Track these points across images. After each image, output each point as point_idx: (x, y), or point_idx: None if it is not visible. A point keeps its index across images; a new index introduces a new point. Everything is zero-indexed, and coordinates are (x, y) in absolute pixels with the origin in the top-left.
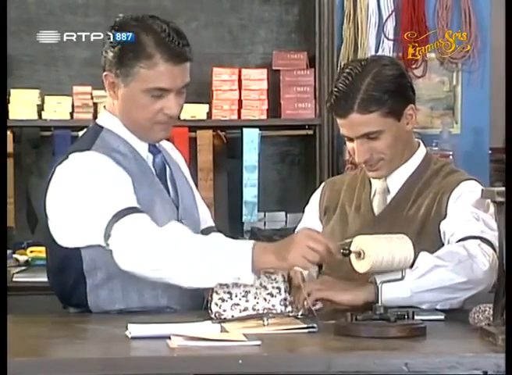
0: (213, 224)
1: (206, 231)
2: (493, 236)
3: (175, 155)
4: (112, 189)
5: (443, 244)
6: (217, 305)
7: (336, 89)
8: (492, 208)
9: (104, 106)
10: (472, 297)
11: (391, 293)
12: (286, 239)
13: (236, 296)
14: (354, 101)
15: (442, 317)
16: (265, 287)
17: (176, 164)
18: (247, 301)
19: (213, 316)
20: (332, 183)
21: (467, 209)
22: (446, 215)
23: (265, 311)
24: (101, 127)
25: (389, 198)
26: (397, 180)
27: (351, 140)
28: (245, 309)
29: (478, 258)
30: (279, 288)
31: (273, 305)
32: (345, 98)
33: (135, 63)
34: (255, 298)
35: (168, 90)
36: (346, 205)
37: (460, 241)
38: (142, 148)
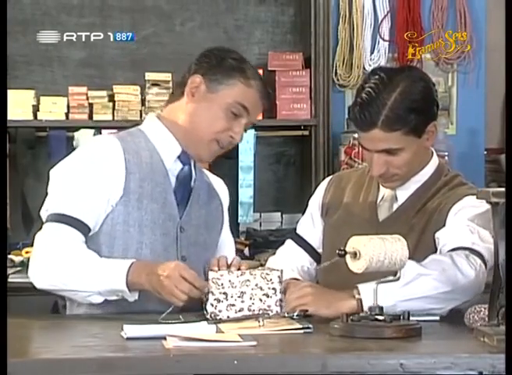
0: None
1: None
2: (484, 248)
3: (218, 187)
4: (80, 187)
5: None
6: (212, 305)
7: (360, 100)
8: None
9: (159, 114)
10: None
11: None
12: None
13: (232, 297)
14: (379, 117)
15: (437, 318)
16: (261, 288)
17: (205, 190)
18: (242, 301)
19: (209, 316)
20: (338, 179)
21: (463, 222)
22: (444, 226)
23: (261, 311)
24: (138, 129)
25: (395, 206)
26: (407, 189)
27: (369, 150)
28: (241, 310)
29: (463, 267)
30: (274, 289)
31: (269, 306)
32: (369, 112)
33: (235, 75)
34: (251, 298)
35: (246, 111)
36: (351, 205)
37: (450, 251)
38: (168, 154)
